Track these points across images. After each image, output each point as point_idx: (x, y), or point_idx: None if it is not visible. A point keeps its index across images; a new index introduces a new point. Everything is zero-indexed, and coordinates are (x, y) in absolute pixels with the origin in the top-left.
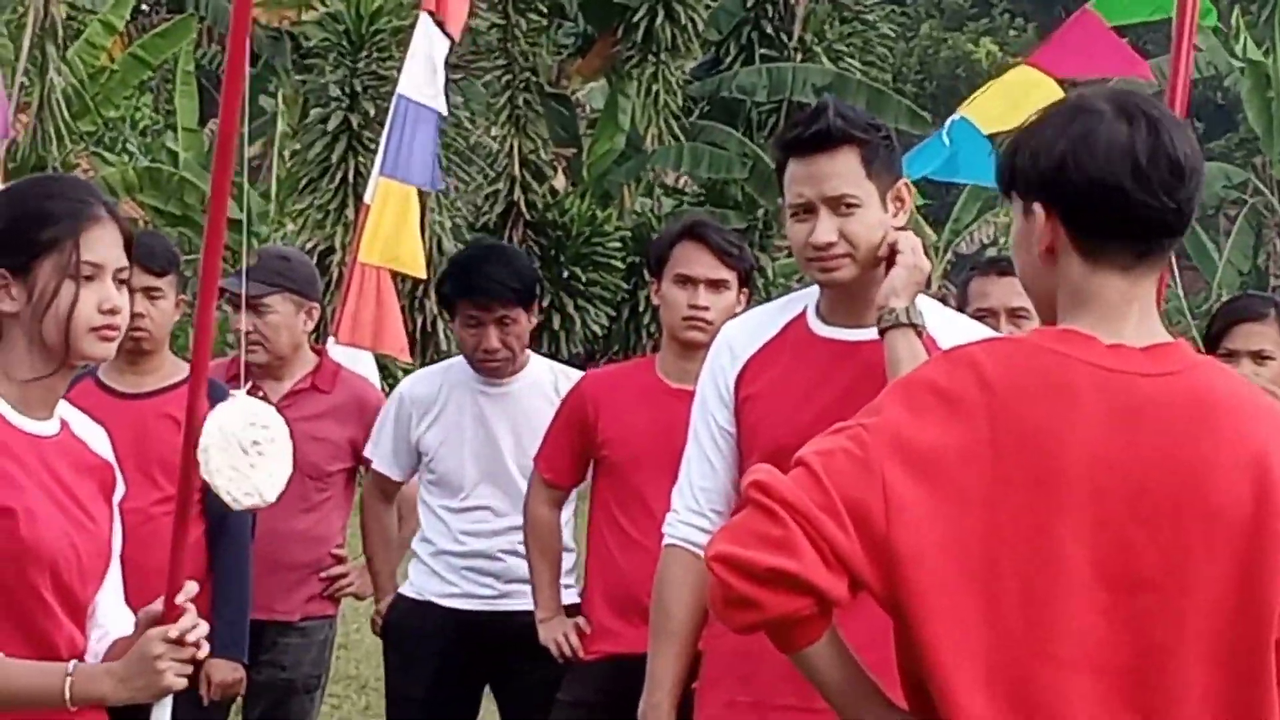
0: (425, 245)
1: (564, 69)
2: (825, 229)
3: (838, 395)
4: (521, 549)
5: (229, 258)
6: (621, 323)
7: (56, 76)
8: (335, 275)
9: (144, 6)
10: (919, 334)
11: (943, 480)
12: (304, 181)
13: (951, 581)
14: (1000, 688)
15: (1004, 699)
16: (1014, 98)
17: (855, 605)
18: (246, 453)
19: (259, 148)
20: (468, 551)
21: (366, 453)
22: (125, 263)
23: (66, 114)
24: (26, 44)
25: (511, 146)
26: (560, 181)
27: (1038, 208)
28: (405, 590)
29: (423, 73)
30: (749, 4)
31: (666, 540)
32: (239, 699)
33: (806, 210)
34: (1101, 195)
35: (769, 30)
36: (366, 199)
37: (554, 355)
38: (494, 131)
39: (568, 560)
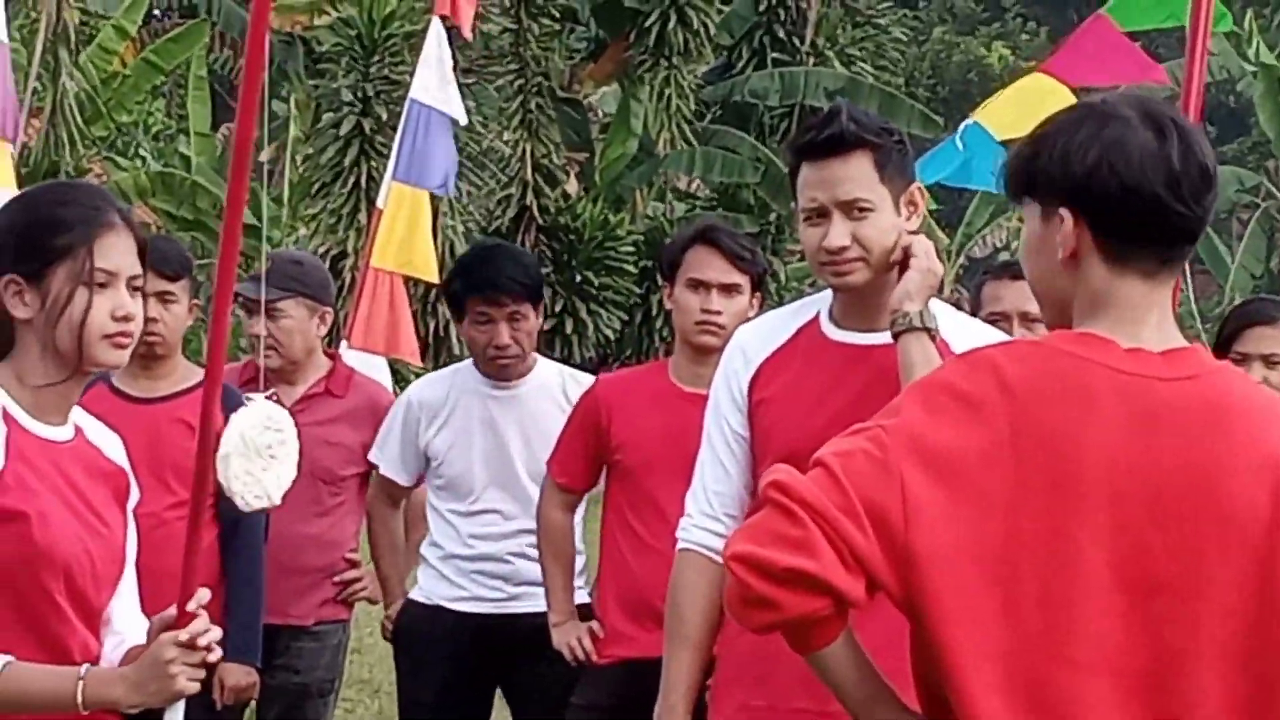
0: (437, 250)
1: (576, 73)
2: (838, 233)
3: (851, 399)
4: (530, 552)
5: (242, 262)
6: (634, 327)
7: (69, 81)
8: (348, 280)
9: (156, 11)
10: (932, 338)
11: (961, 482)
12: (316, 186)
13: (969, 584)
14: (1017, 691)
15: (1021, 702)
16: (1028, 105)
17: (870, 609)
18: (260, 456)
19: (272, 152)
20: (477, 555)
21: (372, 457)
22: (139, 270)
23: (79, 119)
24: (39, 49)
25: (524, 151)
26: (572, 186)
27: (1065, 212)
28: (414, 595)
29: (435, 77)
30: (761, 8)
31: (680, 544)
32: (252, 703)
33: (819, 214)
34: (1134, 202)
35: (781, 34)
36: (379, 204)
37: (566, 360)
38: (506, 136)
39: (578, 561)
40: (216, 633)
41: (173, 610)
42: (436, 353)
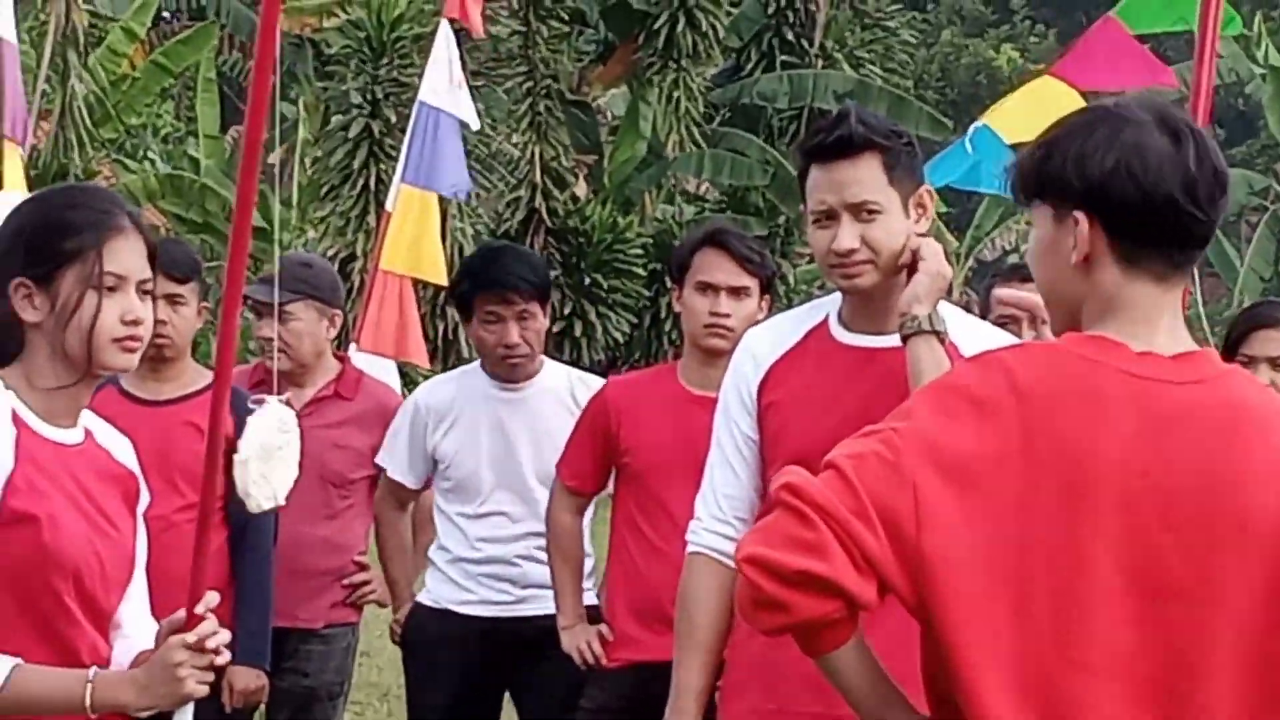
0: (446, 252)
1: (585, 76)
2: (847, 235)
3: (860, 402)
4: (538, 555)
5: (251, 265)
6: (643, 330)
7: (78, 84)
8: (357, 282)
9: (165, 14)
10: (941, 341)
11: (974, 486)
12: (325, 188)
13: (981, 587)
14: (1028, 694)
15: (1031, 706)
16: (1037, 108)
17: (879, 612)
18: (272, 459)
19: (281, 155)
20: (484, 558)
21: (380, 461)
22: (149, 273)
23: (88, 121)
24: (48, 51)
25: (533, 154)
26: (581, 188)
27: (1080, 216)
28: (422, 598)
29: (445, 80)
30: (770, 11)
31: (691, 548)
32: (261, 706)
33: (828, 217)
34: (1151, 206)
35: (790, 37)
36: (388, 206)
37: (575, 362)
38: (515, 139)
39: (585, 564)
40: (225, 635)
41: (181, 613)
42: (445, 355)
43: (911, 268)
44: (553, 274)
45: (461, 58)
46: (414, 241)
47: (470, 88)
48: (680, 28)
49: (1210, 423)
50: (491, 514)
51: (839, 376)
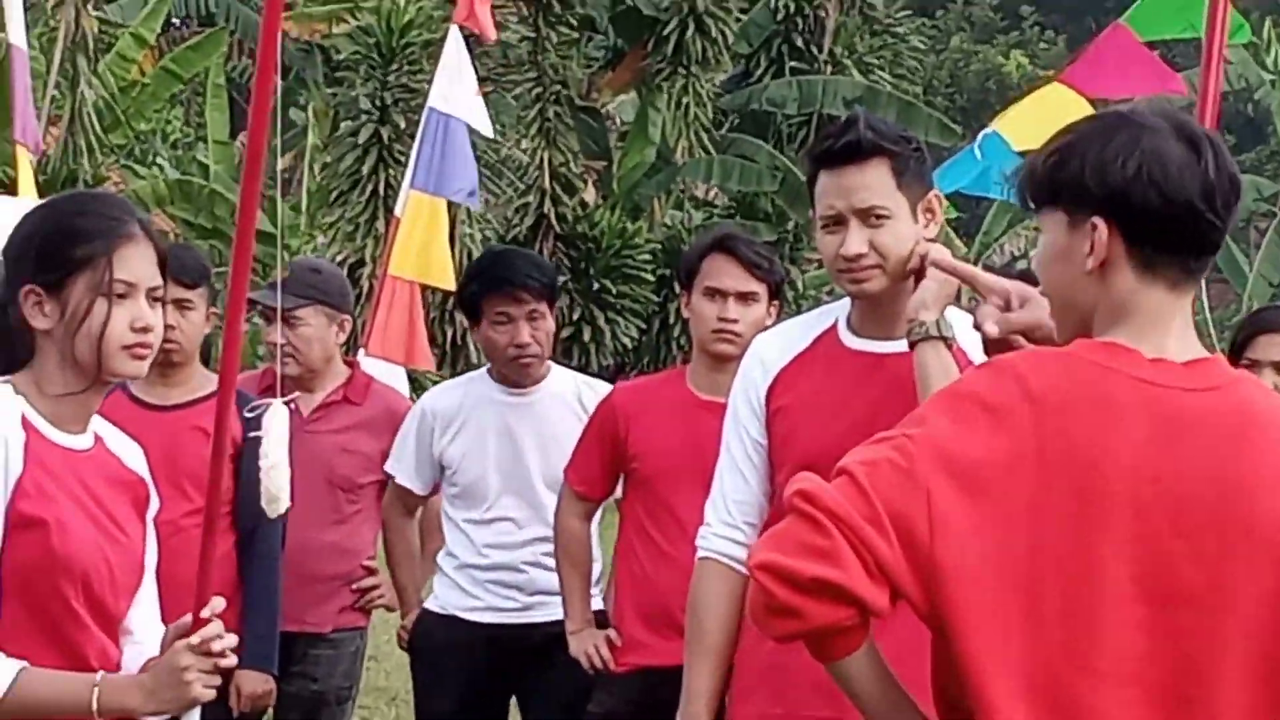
0: (455, 258)
1: (594, 82)
2: (855, 240)
3: (869, 407)
4: (545, 561)
5: (260, 270)
6: (652, 335)
7: (88, 90)
8: (366, 288)
9: (175, 20)
10: (949, 346)
11: (987, 493)
12: (334, 194)
13: (993, 595)
14: (1040, 701)
15: (1043, 712)
16: (1046, 115)
17: (889, 618)
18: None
19: (290, 160)
20: (491, 564)
21: (388, 468)
22: (159, 281)
23: (98, 127)
24: (58, 57)
25: (542, 159)
26: (590, 194)
27: (1099, 221)
28: (429, 604)
29: (458, 88)
30: (779, 17)
31: (701, 553)
32: (269, 711)
33: (837, 222)
34: (1173, 213)
35: (799, 43)
36: (397, 212)
37: (584, 368)
38: (524, 144)
39: (594, 569)
40: (231, 639)
41: (188, 618)
42: (454, 360)
43: (920, 273)
44: (561, 280)
45: (470, 64)
46: (423, 247)
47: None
48: (689, 34)
49: (1221, 429)
50: (498, 520)
51: (848, 382)
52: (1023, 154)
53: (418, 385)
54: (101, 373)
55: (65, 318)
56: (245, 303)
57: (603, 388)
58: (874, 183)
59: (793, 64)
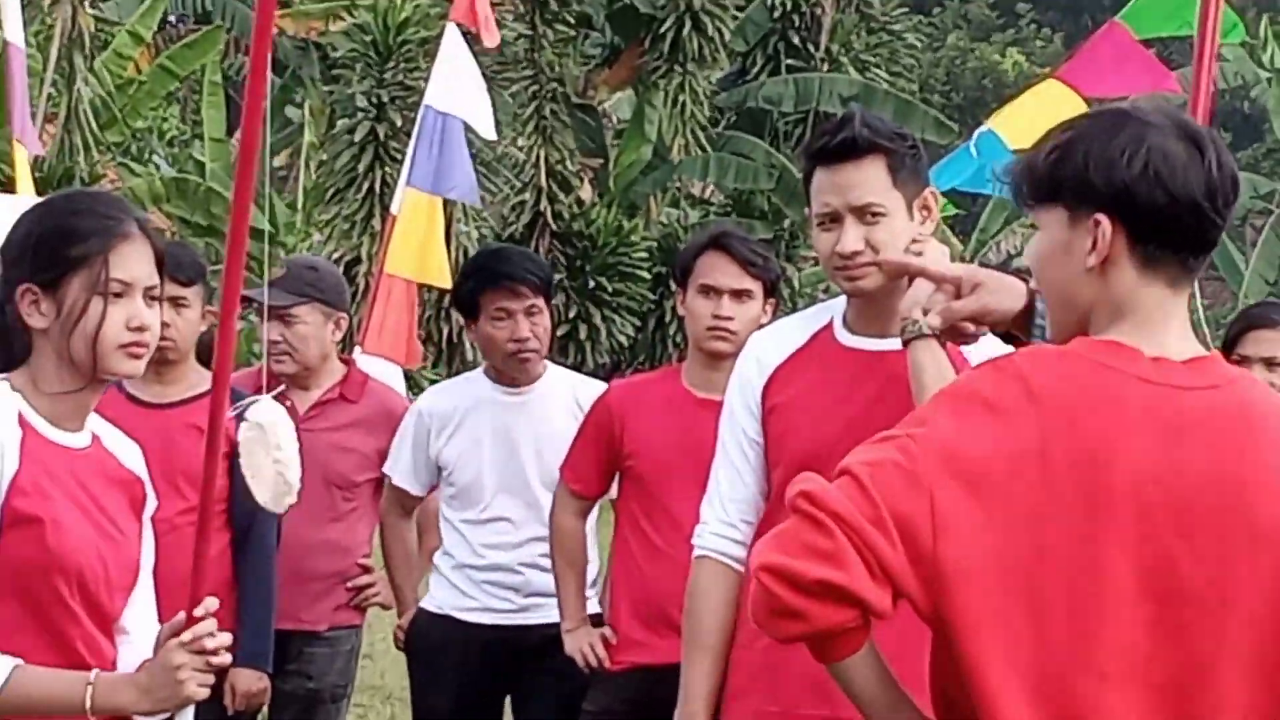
0: (451, 256)
1: (591, 80)
2: (851, 238)
3: (864, 405)
4: (541, 562)
5: (255, 268)
6: (648, 333)
7: (84, 87)
8: (362, 285)
9: (171, 18)
10: (943, 345)
11: (990, 494)
12: (330, 192)
13: (997, 595)
14: (1044, 701)
15: (1047, 712)
16: (1042, 112)
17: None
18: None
19: (286, 158)
20: (488, 565)
21: (385, 469)
22: (155, 280)
23: (94, 125)
24: (54, 55)
25: (538, 157)
26: (587, 192)
27: (1102, 218)
28: (425, 604)
29: (461, 89)
30: (776, 15)
31: (697, 551)
32: (264, 709)
33: (833, 219)
34: (1177, 211)
35: (796, 41)
36: (393, 209)
37: (580, 366)
38: (520, 142)
39: (590, 570)
40: (225, 637)
41: (182, 616)
42: (450, 359)
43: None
44: (557, 277)
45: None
46: (419, 245)
47: None
48: (686, 31)
49: (1222, 428)
50: (495, 519)
51: (844, 379)
52: (1018, 152)
53: (413, 383)
54: (97, 371)
55: (61, 317)
56: (239, 300)
57: (598, 386)
58: (870, 180)
59: (789, 62)
